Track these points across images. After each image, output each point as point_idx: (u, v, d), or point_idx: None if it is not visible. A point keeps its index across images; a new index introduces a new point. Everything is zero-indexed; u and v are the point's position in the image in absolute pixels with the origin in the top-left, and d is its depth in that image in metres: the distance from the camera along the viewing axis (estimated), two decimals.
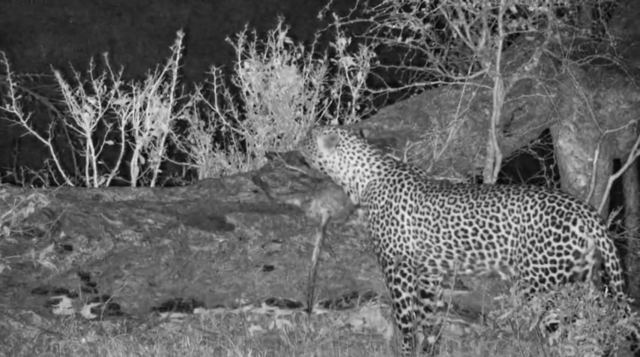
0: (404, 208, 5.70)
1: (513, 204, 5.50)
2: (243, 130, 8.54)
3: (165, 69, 8.22)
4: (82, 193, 7.06)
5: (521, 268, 5.46)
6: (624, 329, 5.19)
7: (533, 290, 5.39)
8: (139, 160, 8.21)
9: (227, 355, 5.86)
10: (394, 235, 5.71)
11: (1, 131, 8.85)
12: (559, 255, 5.39)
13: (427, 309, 5.85)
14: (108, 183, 8.10)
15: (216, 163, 8.49)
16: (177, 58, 8.24)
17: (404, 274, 5.72)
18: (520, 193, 5.51)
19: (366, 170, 5.88)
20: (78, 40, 10.42)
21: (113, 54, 8.27)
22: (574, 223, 5.37)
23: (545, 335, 5.29)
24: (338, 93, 8.71)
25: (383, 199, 5.78)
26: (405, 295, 5.74)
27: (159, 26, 10.52)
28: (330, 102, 8.71)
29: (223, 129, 8.59)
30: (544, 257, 5.40)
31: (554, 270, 5.39)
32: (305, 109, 8.57)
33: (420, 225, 5.68)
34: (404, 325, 5.76)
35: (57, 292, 6.25)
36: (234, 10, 10.66)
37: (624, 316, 5.17)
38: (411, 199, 5.72)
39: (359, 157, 5.89)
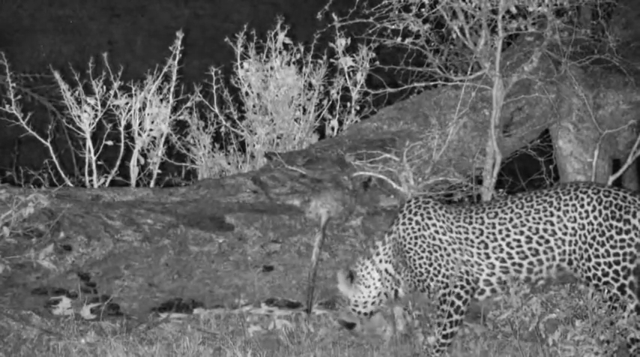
0: (437, 232, 5.73)
1: (567, 204, 5.53)
2: (242, 131, 8.53)
3: (165, 69, 8.22)
4: (81, 194, 7.05)
5: (582, 264, 5.50)
6: (624, 329, 5.19)
7: (597, 286, 5.44)
8: (138, 161, 8.21)
9: (226, 356, 5.86)
10: (436, 261, 5.74)
11: (0, 131, 8.85)
12: (622, 247, 5.45)
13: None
14: (107, 183, 8.10)
15: (216, 163, 8.48)
16: (177, 59, 8.24)
17: (460, 297, 5.74)
18: (571, 193, 5.54)
19: (384, 254, 5.95)
20: (77, 40, 10.41)
21: (112, 54, 8.27)
22: (634, 215, 5.46)
23: (545, 335, 5.30)
24: (337, 93, 8.71)
25: (415, 236, 5.80)
26: (455, 317, 5.78)
27: (158, 26, 10.51)
28: (330, 102, 8.71)
29: (223, 129, 8.59)
30: (607, 251, 5.46)
31: (617, 263, 5.45)
32: (304, 110, 8.57)
33: (461, 243, 5.70)
34: (443, 341, 5.78)
35: (56, 293, 6.25)
36: (233, 10, 10.65)
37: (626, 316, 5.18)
38: (439, 220, 5.75)
39: (377, 254, 5.97)
